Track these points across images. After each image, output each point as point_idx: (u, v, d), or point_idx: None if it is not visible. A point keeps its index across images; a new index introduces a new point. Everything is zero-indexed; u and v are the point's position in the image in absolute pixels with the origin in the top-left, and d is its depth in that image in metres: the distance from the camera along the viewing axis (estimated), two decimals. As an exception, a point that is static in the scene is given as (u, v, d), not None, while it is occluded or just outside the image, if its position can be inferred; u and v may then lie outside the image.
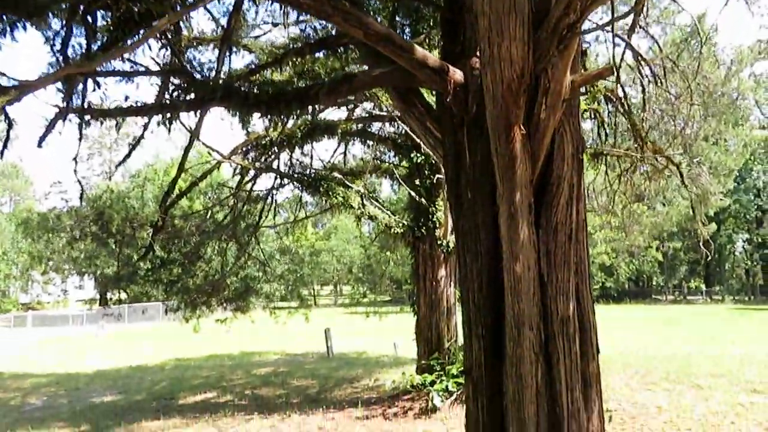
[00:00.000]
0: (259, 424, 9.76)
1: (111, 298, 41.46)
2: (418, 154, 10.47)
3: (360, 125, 11.21)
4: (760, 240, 51.14)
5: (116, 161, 54.54)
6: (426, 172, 10.62)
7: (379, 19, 6.49)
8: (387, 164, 12.11)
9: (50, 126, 4.53)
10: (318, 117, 10.66)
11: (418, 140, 10.35)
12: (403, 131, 10.52)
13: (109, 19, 5.08)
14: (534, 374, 3.48)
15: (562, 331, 3.56)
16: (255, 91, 4.63)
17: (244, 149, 10.36)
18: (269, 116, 5.24)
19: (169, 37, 5.71)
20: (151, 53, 10.68)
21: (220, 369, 16.93)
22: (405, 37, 7.79)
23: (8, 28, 4.47)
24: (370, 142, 11.56)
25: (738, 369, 12.23)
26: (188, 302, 11.82)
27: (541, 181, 3.62)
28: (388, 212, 10.86)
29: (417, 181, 10.63)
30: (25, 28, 4.62)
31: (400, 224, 10.71)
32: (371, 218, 10.48)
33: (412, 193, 10.51)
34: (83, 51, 4.90)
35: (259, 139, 10.32)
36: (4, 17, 4.41)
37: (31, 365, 19.60)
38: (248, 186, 11.14)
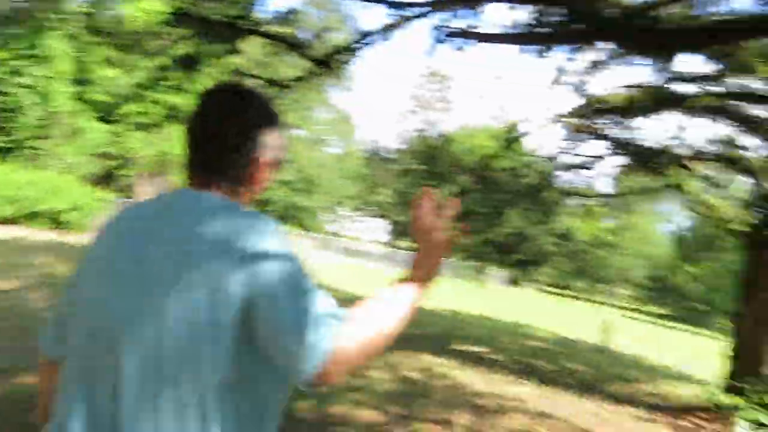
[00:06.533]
0: (531, 390, 9.57)
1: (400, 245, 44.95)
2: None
3: (715, 100, 9.72)
4: None
5: (433, 121, 58.29)
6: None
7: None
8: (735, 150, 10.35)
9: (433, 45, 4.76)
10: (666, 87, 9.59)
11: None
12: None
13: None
14: None
15: None
16: (653, 24, 4.11)
17: (578, 111, 9.90)
18: (657, 57, 4.71)
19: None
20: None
21: (491, 330, 17.16)
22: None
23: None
24: (724, 122, 10.00)
25: None
26: (484, 255, 12.01)
27: None
28: (733, 203, 9.35)
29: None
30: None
31: (746, 220, 9.15)
32: (707, 207, 9.18)
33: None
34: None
35: (598, 103, 9.73)
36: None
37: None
38: (569, 149, 10.69)
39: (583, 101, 9.69)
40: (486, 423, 7.15)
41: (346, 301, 1.50)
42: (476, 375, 10.03)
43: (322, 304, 1.33)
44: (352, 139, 69.29)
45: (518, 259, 11.90)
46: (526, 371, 11.32)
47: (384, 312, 1.42)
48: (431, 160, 10.32)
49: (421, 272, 1.53)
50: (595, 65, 9.14)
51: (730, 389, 8.84)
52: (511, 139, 10.03)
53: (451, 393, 8.46)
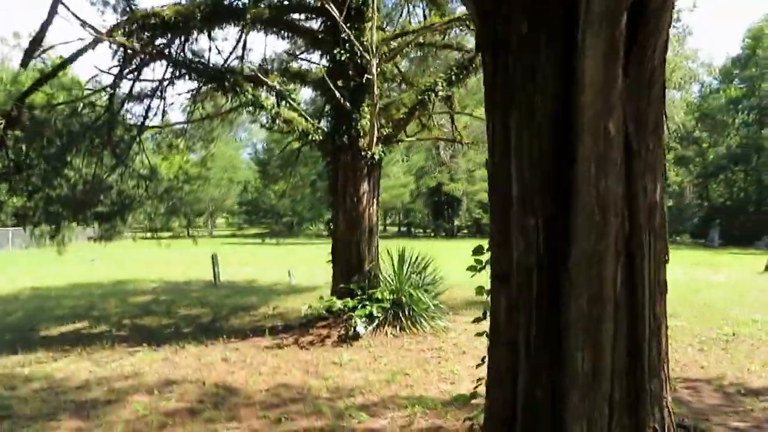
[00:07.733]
0: (149, 357, 8.30)
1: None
2: (342, 51, 9.02)
3: (273, 13, 9.40)
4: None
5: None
6: (350, 72, 9.25)
7: None
8: (301, 64, 10.50)
9: None
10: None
11: (343, 34, 8.97)
12: (325, 25, 9.02)
13: None
14: (614, 278, 2.53)
15: (649, 221, 2.62)
16: None
17: (127, 28, 8.30)
18: None
19: None
20: None
21: (89, 298, 14.85)
22: None
23: None
24: (285, 34, 9.86)
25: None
26: (51, 216, 9.74)
27: (630, 11, 2.54)
28: (306, 115, 9.37)
29: (339, 83, 9.19)
30: None
31: (319, 130, 9.33)
32: (285, 122, 9.01)
33: (337, 93, 9.04)
34: None
35: (147, 18, 8.32)
36: None
37: None
38: (131, 76, 9.13)
39: (127, 16, 8.16)
40: (97, 422, 5.69)
41: None
42: (76, 361, 8.22)
43: None
44: None
45: (98, 212, 9.98)
46: (139, 335, 9.94)
47: None
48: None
49: None
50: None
51: (341, 292, 9.22)
52: (50, 70, 7.95)
53: (45, 398, 6.59)
